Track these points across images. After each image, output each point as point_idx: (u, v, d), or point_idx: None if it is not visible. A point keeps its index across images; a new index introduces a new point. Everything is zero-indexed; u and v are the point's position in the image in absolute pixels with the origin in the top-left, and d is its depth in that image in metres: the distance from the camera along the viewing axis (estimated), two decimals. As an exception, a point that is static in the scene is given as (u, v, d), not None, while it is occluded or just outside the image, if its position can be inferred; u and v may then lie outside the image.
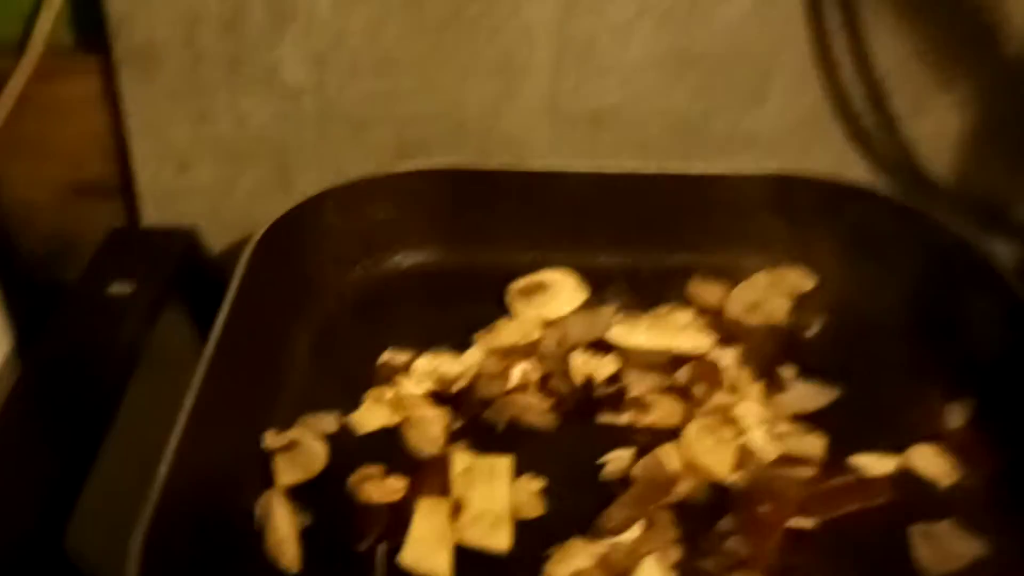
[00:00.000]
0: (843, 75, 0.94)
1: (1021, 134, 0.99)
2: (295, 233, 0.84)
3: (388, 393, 0.78)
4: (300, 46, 0.91)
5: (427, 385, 0.79)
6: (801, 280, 0.92)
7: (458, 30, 0.90)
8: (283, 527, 0.66)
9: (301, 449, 0.72)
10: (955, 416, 0.78)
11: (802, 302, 0.90)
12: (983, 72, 0.95)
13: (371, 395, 0.78)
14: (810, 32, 0.93)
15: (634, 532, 0.67)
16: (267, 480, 0.71)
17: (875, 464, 0.74)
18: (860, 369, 0.82)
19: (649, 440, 0.75)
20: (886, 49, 0.92)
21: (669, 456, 0.72)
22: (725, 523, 0.68)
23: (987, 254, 0.84)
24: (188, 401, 0.64)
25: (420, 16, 0.90)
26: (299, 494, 0.70)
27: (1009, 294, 0.80)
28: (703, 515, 0.69)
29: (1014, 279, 0.81)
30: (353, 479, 0.71)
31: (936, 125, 0.98)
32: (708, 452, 0.73)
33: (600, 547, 0.66)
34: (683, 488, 0.70)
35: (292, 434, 0.73)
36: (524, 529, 0.68)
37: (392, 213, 0.90)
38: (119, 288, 0.72)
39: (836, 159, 0.97)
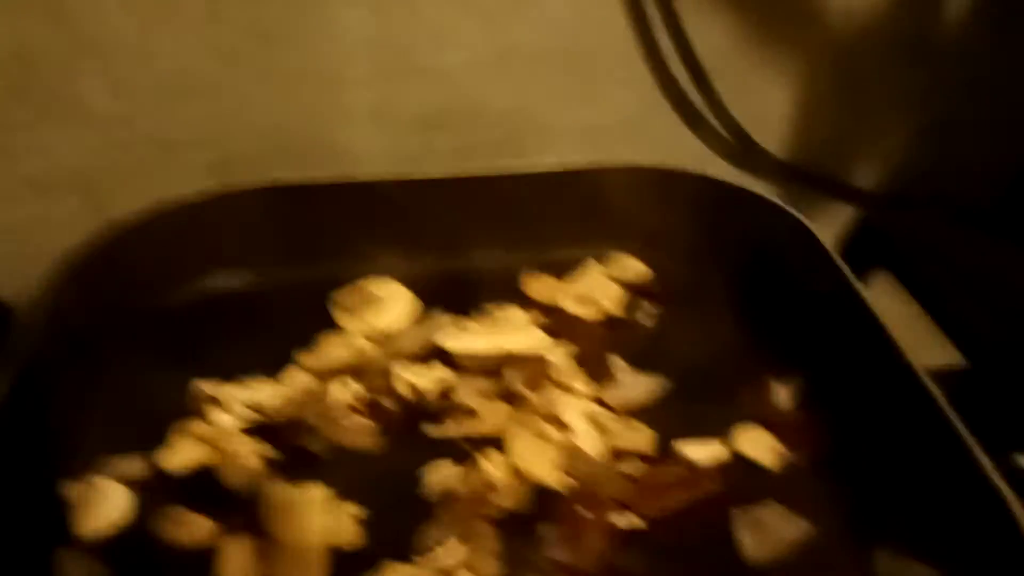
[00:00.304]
0: (669, 64, 0.94)
1: (842, 106, 1.00)
2: (92, 264, 0.79)
3: (198, 428, 0.74)
4: (105, 73, 0.86)
5: (242, 415, 0.75)
6: (634, 268, 0.91)
7: (273, 44, 0.87)
8: (76, 584, 0.62)
9: (102, 495, 0.68)
10: (783, 398, 0.78)
11: (635, 291, 0.89)
12: (804, 50, 0.96)
13: (179, 430, 0.74)
14: (633, 24, 0.92)
15: (452, 548, 0.65)
16: (65, 535, 0.66)
17: (703, 451, 0.73)
18: (692, 356, 0.81)
19: (475, 449, 0.72)
20: (707, 36, 0.92)
21: (491, 464, 0.70)
22: (546, 529, 0.66)
23: (814, 232, 0.84)
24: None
25: (230, 33, 0.86)
26: (104, 545, 0.66)
27: (835, 273, 0.80)
28: (528, 523, 0.67)
29: (839, 258, 0.81)
30: (159, 524, 0.67)
31: (762, 104, 0.98)
32: (531, 455, 0.71)
33: (415, 570, 0.63)
34: (505, 496, 0.68)
35: (91, 480, 0.69)
36: (341, 559, 0.65)
37: (201, 236, 0.86)
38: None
39: (669, 147, 0.97)
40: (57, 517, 0.67)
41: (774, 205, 0.88)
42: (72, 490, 0.68)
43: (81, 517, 0.67)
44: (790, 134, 1.02)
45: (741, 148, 1.00)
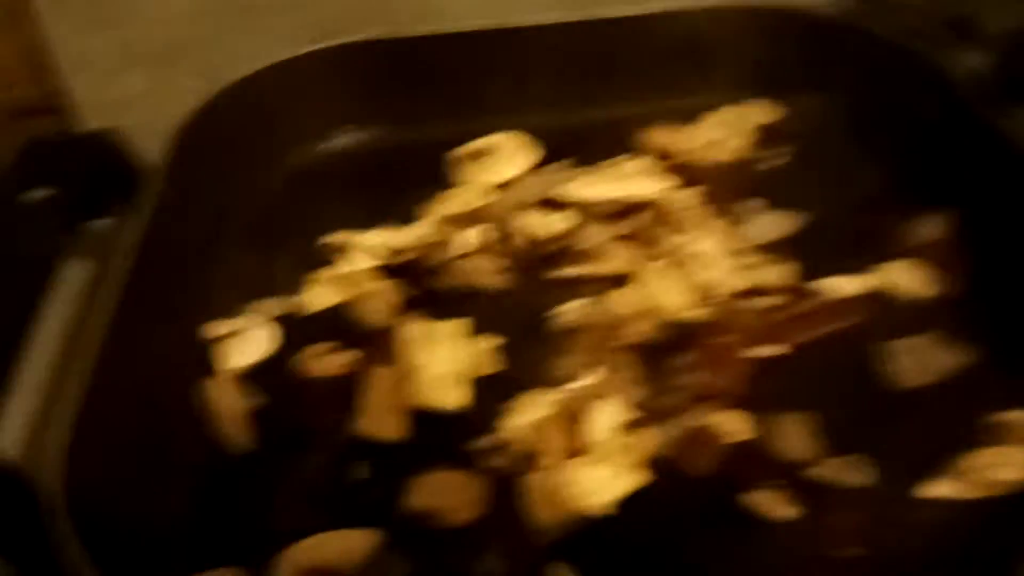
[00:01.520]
0: None
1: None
2: (219, 122, 0.79)
3: (334, 271, 0.75)
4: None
5: (374, 259, 0.76)
6: (762, 113, 0.87)
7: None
8: (232, 408, 0.63)
9: (245, 335, 0.69)
10: (932, 228, 0.74)
11: (765, 135, 0.85)
12: None
13: (315, 276, 0.75)
14: None
15: (592, 377, 0.64)
16: (210, 371, 0.68)
17: (845, 285, 0.70)
18: (830, 195, 0.78)
19: (606, 289, 0.71)
20: None
21: (621, 299, 0.69)
22: (687, 358, 0.65)
23: (952, 69, 0.78)
24: (112, 297, 0.61)
25: None
26: (249, 378, 0.68)
27: (979, 106, 0.75)
28: (665, 354, 0.66)
29: (980, 91, 0.76)
30: (302, 357, 0.68)
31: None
32: (664, 291, 0.69)
33: (557, 395, 0.63)
34: (640, 329, 0.67)
35: (235, 321, 0.70)
36: (482, 387, 0.66)
37: (322, 94, 0.85)
38: (33, 195, 0.69)
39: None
40: (201, 357, 0.69)
41: (903, 46, 0.82)
42: (214, 329, 0.69)
43: (224, 354, 0.68)
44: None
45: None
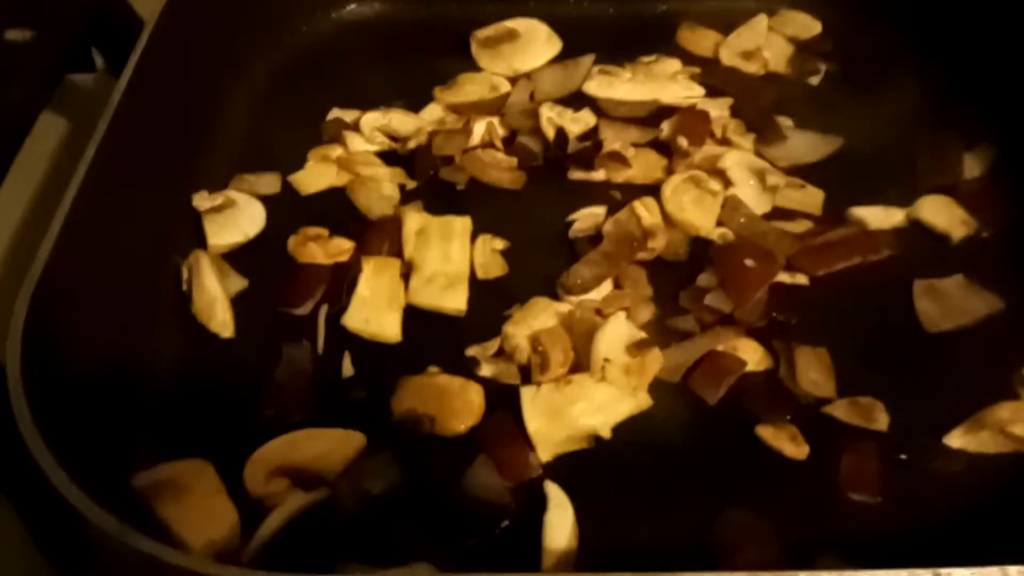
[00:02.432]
0: None
1: None
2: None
3: (335, 152, 0.70)
4: None
5: (379, 142, 0.71)
6: (805, 24, 0.81)
7: None
8: (212, 288, 0.59)
9: (236, 209, 0.65)
10: (971, 166, 0.69)
11: (805, 48, 0.80)
12: None
13: (316, 154, 0.70)
14: None
15: (603, 290, 0.60)
16: (200, 244, 0.64)
17: (879, 216, 0.66)
18: (867, 120, 0.73)
19: (625, 197, 0.67)
20: None
21: (646, 209, 0.64)
22: (705, 278, 0.61)
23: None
24: (89, 150, 0.56)
25: None
26: (235, 257, 0.64)
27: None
28: (682, 273, 0.62)
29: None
30: (293, 240, 0.63)
31: None
32: (691, 204, 0.65)
33: (564, 306, 0.59)
34: (659, 243, 0.63)
35: (226, 194, 0.66)
36: (484, 290, 0.62)
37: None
38: (17, 34, 0.63)
39: None
40: (186, 229, 0.65)
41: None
42: (203, 201, 0.65)
43: (212, 230, 0.64)
44: None
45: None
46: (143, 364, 0.56)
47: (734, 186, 0.67)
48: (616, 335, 0.57)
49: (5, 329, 0.49)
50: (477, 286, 0.62)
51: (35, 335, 0.47)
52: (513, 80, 0.76)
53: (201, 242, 0.64)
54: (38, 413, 0.44)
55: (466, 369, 0.57)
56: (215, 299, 0.59)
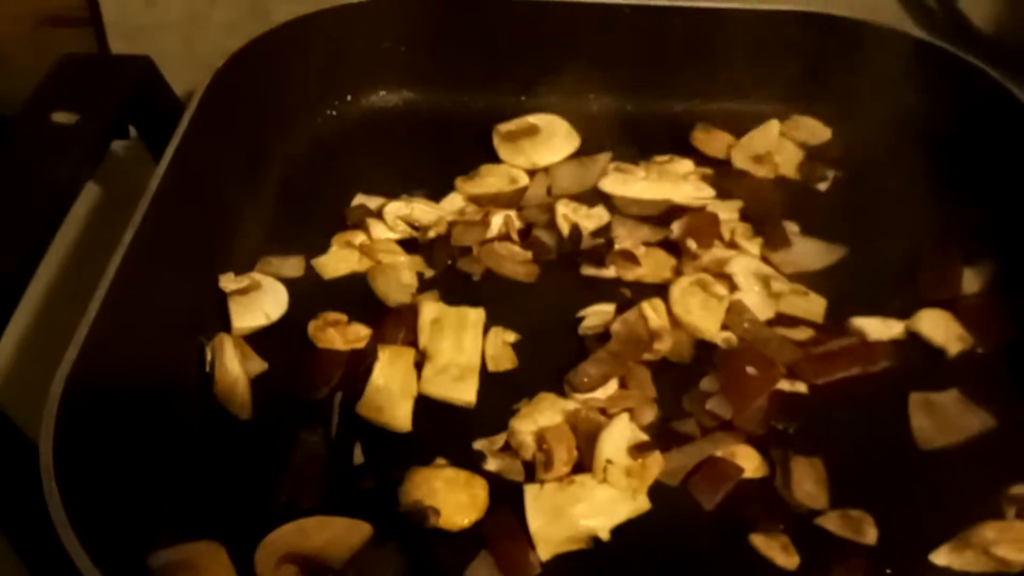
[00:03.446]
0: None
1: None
2: (262, 64, 0.77)
3: (358, 238, 0.73)
4: None
5: (400, 230, 0.74)
6: (815, 130, 0.84)
7: None
8: (234, 370, 0.62)
9: (261, 292, 0.68)
10: (971, 282, 0.71)
11: (814, 154, 0.83)
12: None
13: (340, 239, 0.73)
14: None
15: (608, 389, 0.63)
16: (223, 326, 0.66)
17: (878, 328, 0.68)
18: (872, 228, 0.76)
19: (635, 295, 0.69)
20: None
21: (653, 311, 0.66)
22: (708, 383, 0.63)
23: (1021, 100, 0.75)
24: (127, 235, 0.59)
25: None
26: (257, 339, 0.66)
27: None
28: (686, 375, 0.64)
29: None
30: (313, 325, 0.66)
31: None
32: (697, 308, 0.67)
33: (570, 404, 0.61)
34: (665, 346, 0.65)
35: (252, 276, 0.68)
36: (494, 383, 0.64)
37: (371, 45, 0.82)
38: (64, 117, 0.66)
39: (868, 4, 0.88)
40: (211, 309, 0.67)
41: (982, 72, 0.78)
42: (232, 283, 0.67)
43: (236, 312, 0.66)
44: (1000, 5, 0.91)
45: (943, 14, 0.90)
46: (166, 444, 0.59)
47: (740, 291, 0.69)
48: (619, 437, 0.59)
49: (32, 403, 0.52)
50: (487, 378, 0.64)
51: (67, 417, 0.49)
52: (532, 173, 0.79)
53: (225, 323, 0.66)
54: (67, 496, 0.46)
55: (472, 462, 0.59)
56: (236, 381, 0.61)
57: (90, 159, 0.66)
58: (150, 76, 0.74)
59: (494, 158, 0.81)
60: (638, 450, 0.58)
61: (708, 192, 0.78)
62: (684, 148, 0.82)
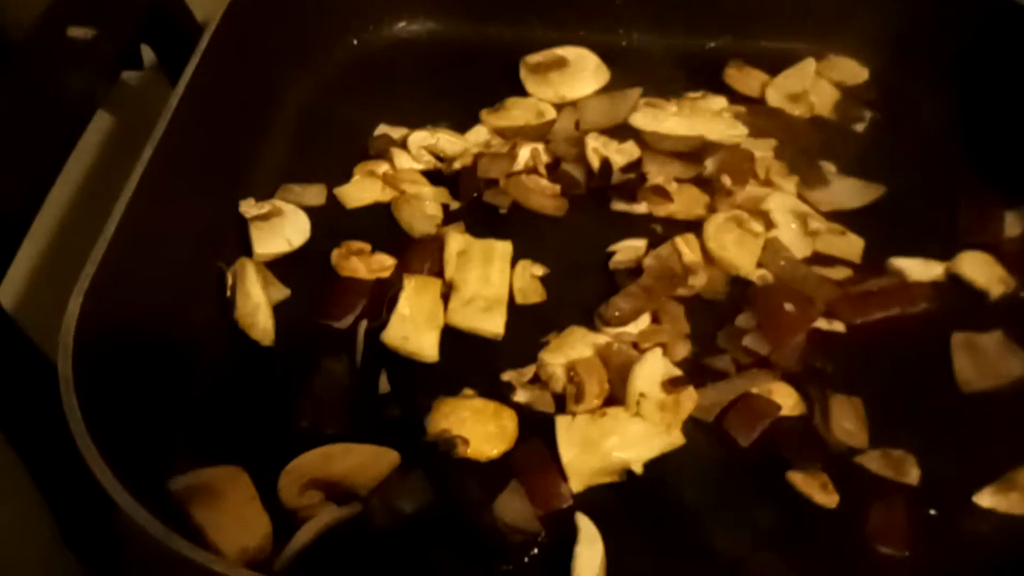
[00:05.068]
0: None
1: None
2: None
3: (381, 168, 0.70)
4: None
5: (425, 161, 0.71)
6: (852, 70, 0.81)
7: None
8: (256, 296, 0.60)
9: (282, 219, 0.65)
10: (1012, 224, 0.69)
11: (851, 95, 0.80)
12: None
13: (362, 168, 0.70)
14: None
15: (640, 324, 0.61)
16: (243, 251, 0.64)
17: (918, 269, 0.66)
18: (910, 170, 0.74)
19: (666, 231, 0.67)
20: None
21: (687, 246, 0.64)
22: (743, 319, 0.61)
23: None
24: (146, 152, 0.57)
25: None
26: (278, 266, 0.64)
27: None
28: (719, 312, 0.62)
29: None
30: (337, 253, 0.64)
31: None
32: (732, 244, 0.65)
33: (601, 337, 0.59)
34: (700, 281, 0.63)
35: (273, 203, 0.66)
36: (522, 315, 0.62)
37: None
38: (80, 31, 0.64)
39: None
40: (231, 235, 0.65)
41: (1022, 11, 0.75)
42: (249, 208, 0.65)
43: (257, 238, 0.64)
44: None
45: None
46: (184, 368, 0.57)
47: (776, 228, 0.67)
48: (652, 371, 0.57)
49: (50, 324, 0.50)
50: (515, 311, 0.62)
51: (86, 333, 0.48)
52: (559, 107, 0.77)
53: (245, 249, 0.64)
54: (86, 411, 0.44)
55: (500, 393, 0.57)
56: (258, 307, 0.59)
57: (106, 75, 0.64)
58: (167, -4, 0.71)
59: (520, 91, 0.78)
60: (672, 384, 0.56)
61: (741, 130, 0.75)
62: (716, 86, 0.80)
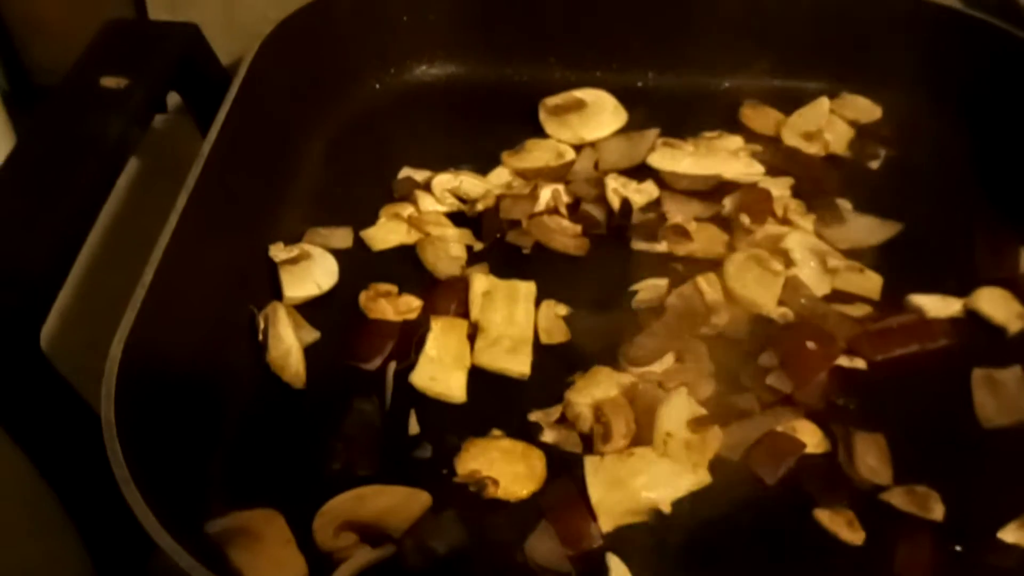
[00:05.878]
0: None
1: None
2: (309, 34, 0.76)
3: (406, 210, 0.72)
4: None
5: (448, 203, 0.73)
6: (865, 108, 0.83)
7: None
8: (288, 339, 0.61)
9: (310, 263, 0.67)
10: (1028, 260, 0.70)
11: (865, 132, 0.81)
12: None
13: (388, 211, 0.72)
14: None
15: (664, 363, 0.62)
16: (273, 295, 0.66)
17: (936, 305, 0.67)
18: (926, 206, 0.75)
19: (687, 270, 0.68)
20: None
21: (709, 284, 0.65)
22: (766, 358, 0.62)
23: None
24: (180, 202, 0.58)
25: None
26: (308, 309, 0.65)
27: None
28: (741, 351, 0.63)
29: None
30: (364, 296, 0.65)
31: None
32: (752, 283, 0.66)
33: (626, 377, 0.60)
34: (721, 320, 0.64)
35: (302, 246, 0.68)
36: (547, 355, 0.63)
37: (417, 17, 0.81)
38: (113, 81, 0.66)
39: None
40: (261, 277, 0.67)
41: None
42: (282, 252, 0.67)
43: (292, 280, 0.66)
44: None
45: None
46: (219, 411, 0.58)
47: (795, 266, 0.68)
48: (678, 410, 0.58)
49: (79, 365, 0.51)
50: (540, 350, 0.63)
51: (126, 379, 0.49)
52: (578, 148, 0.78)
53: (275, 292, 0.65)
54: (128, 455, 0.45)
55: (528, 433, 0.58)
56: (290, 351, 0.60)
57: (139, 122, 0.65)
58: (196, 42, 0.73)
59: (540, 132, 0.80)
60: (698, 423, 0.57)
61: (758, 168, 0.76)
62: (732, 125, 0.81)
